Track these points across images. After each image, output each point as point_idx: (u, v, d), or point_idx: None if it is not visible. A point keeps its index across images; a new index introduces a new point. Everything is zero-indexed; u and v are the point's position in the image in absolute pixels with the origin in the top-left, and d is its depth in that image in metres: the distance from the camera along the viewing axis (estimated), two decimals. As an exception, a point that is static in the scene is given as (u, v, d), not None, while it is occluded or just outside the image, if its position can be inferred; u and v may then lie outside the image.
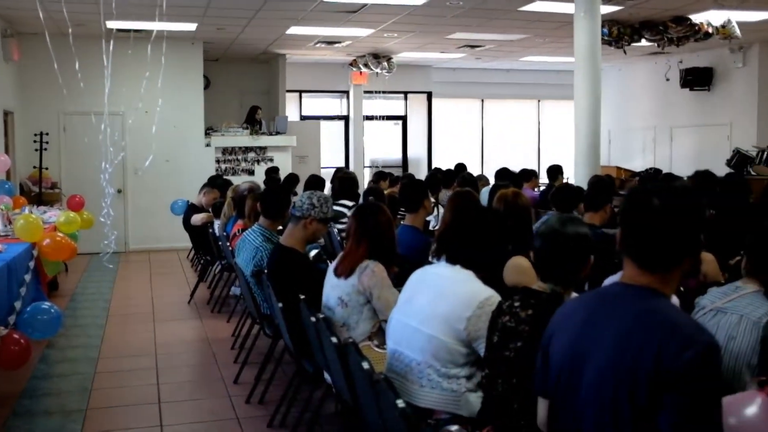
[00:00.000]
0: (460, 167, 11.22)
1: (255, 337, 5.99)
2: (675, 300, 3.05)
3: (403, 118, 17.83)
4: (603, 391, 1.98)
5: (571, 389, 2.08)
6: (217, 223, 8.16)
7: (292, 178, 10.77)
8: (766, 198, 5.63)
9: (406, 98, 17.70)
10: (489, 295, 2.93)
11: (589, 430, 2.02)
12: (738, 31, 11.76)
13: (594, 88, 9.01)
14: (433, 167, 15.52)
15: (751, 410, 2.34)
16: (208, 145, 12.91)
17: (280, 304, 4.30)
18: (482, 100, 18.32)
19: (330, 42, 13.35)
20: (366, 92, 16.79)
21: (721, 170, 12.54)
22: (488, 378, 2.71)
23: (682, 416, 1.83)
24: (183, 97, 12.57)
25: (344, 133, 17.18)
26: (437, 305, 2.99)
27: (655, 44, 12.53)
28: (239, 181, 8.80)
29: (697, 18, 11.60)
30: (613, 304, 2.07)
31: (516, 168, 10.65)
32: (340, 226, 6.81)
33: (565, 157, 12.42)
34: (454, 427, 2.19)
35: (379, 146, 17.47)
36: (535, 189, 10.36)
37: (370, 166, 16.94)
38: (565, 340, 2.13)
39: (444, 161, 15.44)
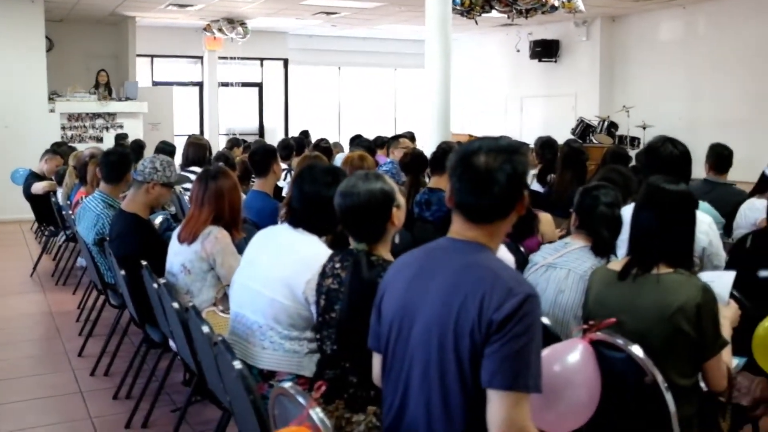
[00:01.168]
0: (305, 134, 11.19)
1: (100, 309, 5.77)
2: (510, 257, 3.18)
3: (259, 85, 17.57)
4: (429, 344, 2.02)
5: (400, 343, 2.12)
6: (60, 192, 7.78)
7: (138, 145, 10.32)
8: (604, 164, 5.91)
9: (262, 65, 17.43)
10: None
11: (417, 383, 2.07)
12: (582, 5, 12.23)
13: (445, 56, 9.16)
14: (289, 135, 15.40)
15: (573, 357, 2.45)
16: (52, 110, 12.24)
17: (123, 272, 4.17)
18: (339, 68, 18.30)
19: (181, 5, 12.93)
20: (221, 58, 16.42)
21: (567, 138, 13.13)
22: (320, 340, 2.73)
23: (502, 364, 1.90)
24: (22, 60, 11.84)
25: (199, 99, 16.75)
26: (278, 268, 2.96)
27: (506, 15, 12.87)
28: (87, 148, 8.40)
29: (544, -9, 11.99)
30: (441, 258, 2.11)
31: (372, 136, 10.72)
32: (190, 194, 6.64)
33: (421, 124, 12.60)
34: (287, 384, 2.18)
35: (235, 114, 17.15)
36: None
37: (226, 134, 16.61)
38: (395, 296, 2.16)
39: (301, 129, 15.36)
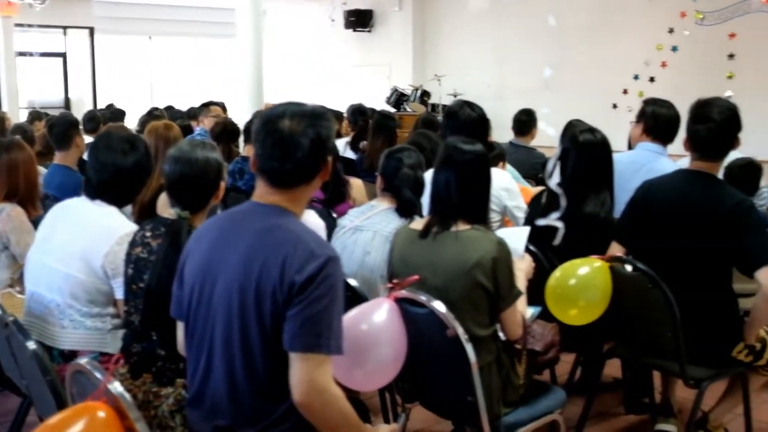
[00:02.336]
0: (110, 107, 10.73)
1: None
2: (320, 223, 3.20)
3: (63, 56, 16.56)
4: (231, 308, 2.00)
5: (202, 308, 2.08)
6: None
7: None
8: (416, 128, 6.09)
9: (65, 33, 16.42)
10: (130, 231, 2.82)
11: (219, 348, 2.05)
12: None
13: (255, 26, 9.03)
14: (98, 107, 14.65)
15: (379, 316, 2.52)
16: None
17: None
18: (150, 37, 17.58)
19: (-32, -33, 11.91)
20: (17, 25, 15.29)
21: (383, 107, 13.35)
22: (126, 312, 2.64)
23: (303, 326, 1.91)
24: None
25: (-6, 70, 15.56)
26: (74, 242, 2.82)
27: (319, -15, 12.87)
28: None
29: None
30: (243, 222, 2.09)
31: (187, 107, 10.41)
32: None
33: (234, 95, 12.37)
34: (84, 359, 2.10)
35: (38, 86, 16.09)
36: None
37: (27, 108, 15.54)
38: (197, 261, 2.12)
39: (111, 101, 14.64)
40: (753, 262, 2.98)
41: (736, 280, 3.22)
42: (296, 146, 2.02)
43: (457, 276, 2.61)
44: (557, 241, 3.42)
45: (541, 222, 3.49)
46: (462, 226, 2.68)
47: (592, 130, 3.61)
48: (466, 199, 2.70)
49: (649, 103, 4.23)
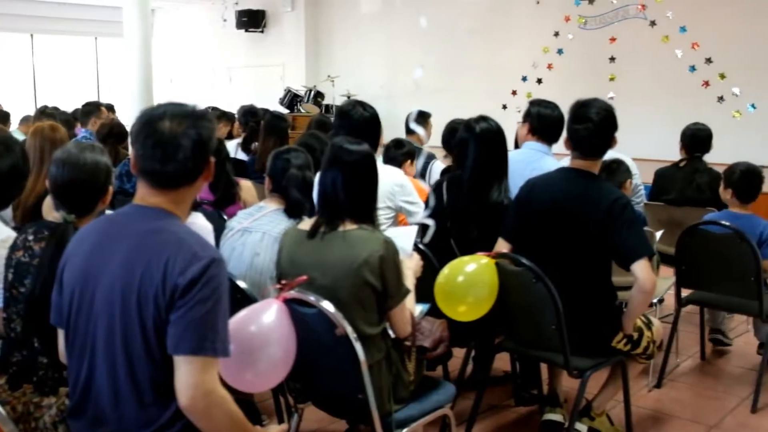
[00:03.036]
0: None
1: None
2: (207, 225, 3.15)
3: (-63, 54, 15.74)
4: (112, 312, 1.96)
5: (82, 314, 2.03)
6: None
7: None
8: (309, 129, 6.08)
9: (-62, 30, 15.62)
10: (8, 236, 2.71)
11: (101, 354, 1.99)
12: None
13: (144, 25, 8.84)
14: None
15: (268, 317, 2.51)
16: None
17: None
18: (32, 35, 16.90)
19: None
20: None
21: (276, 108, 13.26)
22: (6, 319, 2.54)
23: (187, 329, 1.88)
24: None
25: None
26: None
27: (209, -16, 12.68)
28: None
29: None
30: (124, 225, 2.04)
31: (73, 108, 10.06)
32: None
33: (123, 96, 12.06)
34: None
35: None
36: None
37: None
38: (76, 266, 2.06)
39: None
40: (629, 257, 3.12)
41: (615, 272, 3.36)
42: (177, 147, 1.99)
43: (345, 275, 2.63)
44: (427, 238, 3.50)
45: (415, 220, 3.58)
46: (349, 226, 2.70)
47: (485, 119, 3.71)
48: (352, 198, 2.72)
49: (535, 104, 4.37)
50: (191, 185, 2.08)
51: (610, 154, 3.88)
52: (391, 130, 7.25)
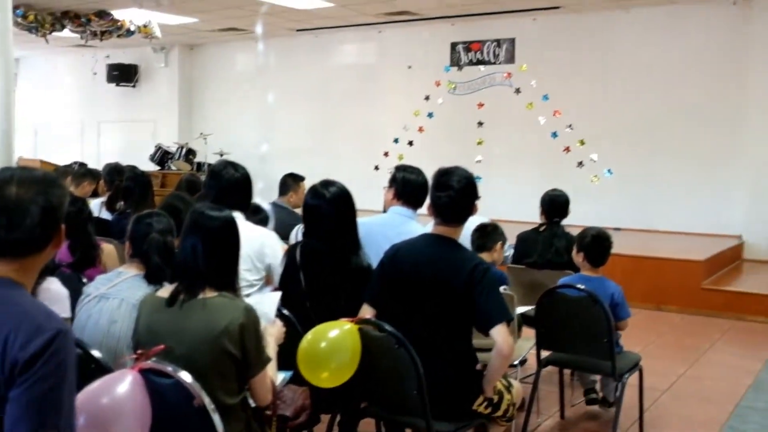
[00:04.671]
0: None
1: None
2: (62, 291, 3.02)
3: None
4: None
5: None
6: None
7: None
8: (179, 189, 5.96)
9: None
10: None
11: None
12: (159, 32, 12.28)
13: (6, 74, 8.46)
14: None
15: (122, 388, 2.42)
16: None
17: None
18: None
19: None
20: None
21: (147, 165, 13.01)
22: None
23: (28, 408, 1.79)
24: None
25: None
26: None
27: (79, 36, 12.40)
28: None
29: (119, 14, 11.79)
30: None
31: None
32: None
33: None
34: None
35: None
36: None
37: None
38: None
39: None
40: (488, 322, 3.21)
41: (475, 335, 3.44)
42: (24, 214, 1.91)
43: (204, 344, 2.58)
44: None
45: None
46: (209, 293, 2.66)
47: (333, 183, 3.73)
48: (213, 265, 2.69)
49: (400, 169, 4.47)
50: (39, 253, 2.00)
51: (472, 220, 4.01)
52: (266, 190, 7.24)
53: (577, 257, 4.60)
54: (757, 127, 10.14)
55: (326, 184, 3.71)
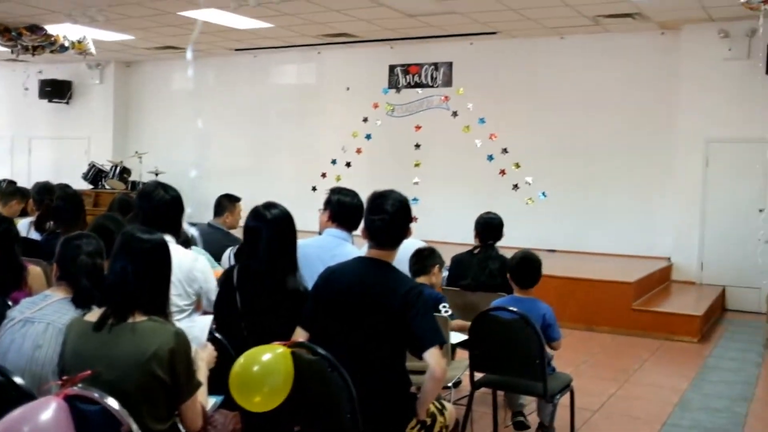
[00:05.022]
0: None
1: None
2: None
3: None
4: None
5: None
6: None
7: None
8: (112, 209, 5.84)
9: None
10: None
11: None
12: (93, 48, 12.08)
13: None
14: None
15: (45, 416, 2.35)
16: None
17: None
18: None
19: None
20: None
21: (80, 184, 12.75)
22: None
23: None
24: None
25: None
26: None
27: (10, 51, 12.13)
28: None
29: (53, 29, 11.57)
30: None
31: None
32: None
33: None
34: None
35: None
36: None
37: None
38: None
39: None
40: (421, 345, 3.22)
41: (408, 358, 3.45)
42: None
43: (132, 370, 2.53)
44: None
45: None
46: (139, 318, 2.62)
47: (275, 205, 3.71)
48: (143, 289, 2.65)
49: (335, 191, 4.48)
50: None
51: (408, 243, 4.04)
52: (201, 209, 7.17)
53: (510, 280, 4.67)
54: (686, 152, 10.46)
55: (268, 206, 3.70)
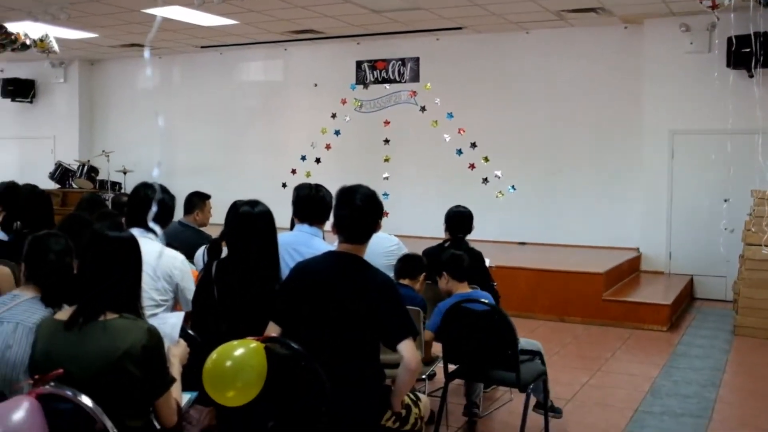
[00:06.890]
0: None
1: None
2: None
3: None
4: None
5: None
6: None
7: None
8: (80, 209, 5.78)
9: None
10: None
11: None
12: (56, 46, 11.90)
13: None
14: None
15: (18, 415, 2.34)
16: None
17: None
18: None
19: None
20: None
21: (46, 183, 12.59)
22: None
23: None
24: None
25: None
26: None
27: (-29, 50, 11.93)
28: None
29: (14, 27, 11.38)
30: None
31: None
32: None
33: None
34: None
35: None
36: None
37: None
38: None
39: None
40: (394, 337, 3.24)
41: (383, 350, 3.47)
42: None
43: (105, 367, 2.52)
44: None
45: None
46: (110, 315, 2.61)
47: (258, 202, 3.72)
48: (113, 287, 2.63)
49: (295, 189, 4.51)
50: None
51: (379, 236, 4.06)
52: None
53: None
54: (651, 144, 10.58)
55: (254, 203, 3.71)
